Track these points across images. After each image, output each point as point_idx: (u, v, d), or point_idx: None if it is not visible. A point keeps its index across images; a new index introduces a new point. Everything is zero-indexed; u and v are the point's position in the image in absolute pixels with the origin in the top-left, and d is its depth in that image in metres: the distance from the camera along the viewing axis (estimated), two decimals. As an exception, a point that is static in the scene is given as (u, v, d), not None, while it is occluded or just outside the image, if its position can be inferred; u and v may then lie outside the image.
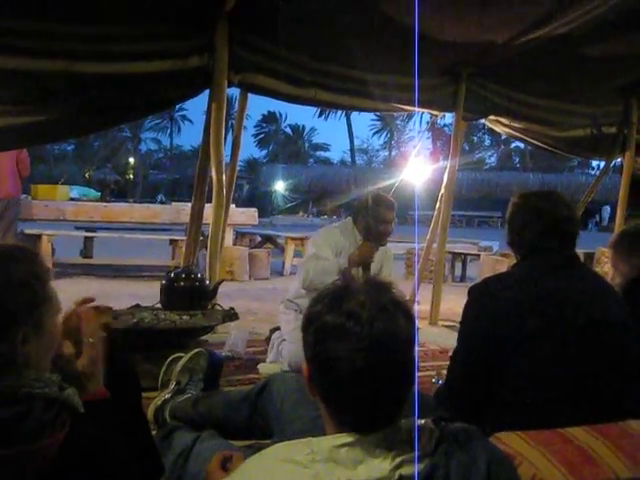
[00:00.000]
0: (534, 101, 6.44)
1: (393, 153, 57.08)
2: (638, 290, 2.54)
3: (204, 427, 2.38)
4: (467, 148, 54.53)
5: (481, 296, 2.20)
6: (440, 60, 5.91)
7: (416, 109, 6.41)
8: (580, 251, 11.80)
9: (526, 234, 2.22)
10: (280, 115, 61.60)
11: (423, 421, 1.37)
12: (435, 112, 6.56)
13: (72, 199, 10.72)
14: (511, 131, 6.90)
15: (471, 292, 2.23)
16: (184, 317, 3.99)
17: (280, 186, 43.54)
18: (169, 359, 2.86)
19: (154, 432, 2.53)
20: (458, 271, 11.38)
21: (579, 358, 2.04)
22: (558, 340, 2.03)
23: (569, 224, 2.20)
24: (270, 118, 61.76)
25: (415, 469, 1.26)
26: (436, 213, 6.84)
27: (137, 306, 4.34)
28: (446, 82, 6.18)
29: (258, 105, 63.33)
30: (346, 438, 1.27)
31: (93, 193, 15.71)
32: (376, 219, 4.21)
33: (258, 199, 41.08)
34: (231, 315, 4.17)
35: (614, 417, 1.94)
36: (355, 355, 1.25)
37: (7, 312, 1.35)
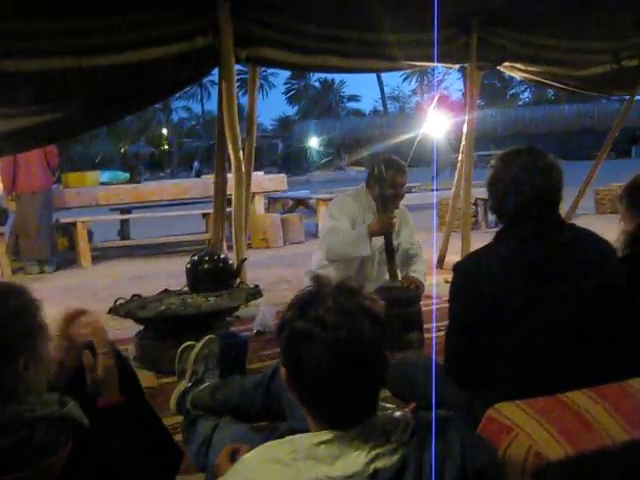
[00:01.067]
0: (548, 43, 6.28)
1: (425, 97, 56.08)
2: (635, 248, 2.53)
3: (224, 414, 2.49)
4: (499, 85, 53.42)
5: (464, 276, 2.19)
6: (448, 11, 5.79)
7: (430, 64, 6.33)
8: (616, 184, 11.45)
9: (506, 204, 2.18)
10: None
11: (400, 413, 1.44)
12: (450, 65, 6.47)
13: (102, 183, 10.84)
14: (528, 75, 6.76)
15: (455, 270, 2.23)
16: (210, 299, 4.08)
17: (314, 142, 43.29)
18: (180, 348, 2.94)
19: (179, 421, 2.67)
20: (492, 216, 11.28)
21: (568, 326, 2.04)
22: (545, 311, 2.04)
23: (547, 193, 2.15)
24: (298, 74, 61.25)
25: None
26: (459, 165, 6.78)
27: (165, 291, 4.46)
28: (457, 33, 6.07)
29: (285, 62, 62.59)
30: (324, 435, 1.35)
31: (122, 175, 15.93)
32: (387, 183, 4.21)
33: (293, 157, 41.04)
34: (255, 293, 4.26)
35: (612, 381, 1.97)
36: (320, 358, 1.33)
37: (7, 342, 1.46)
